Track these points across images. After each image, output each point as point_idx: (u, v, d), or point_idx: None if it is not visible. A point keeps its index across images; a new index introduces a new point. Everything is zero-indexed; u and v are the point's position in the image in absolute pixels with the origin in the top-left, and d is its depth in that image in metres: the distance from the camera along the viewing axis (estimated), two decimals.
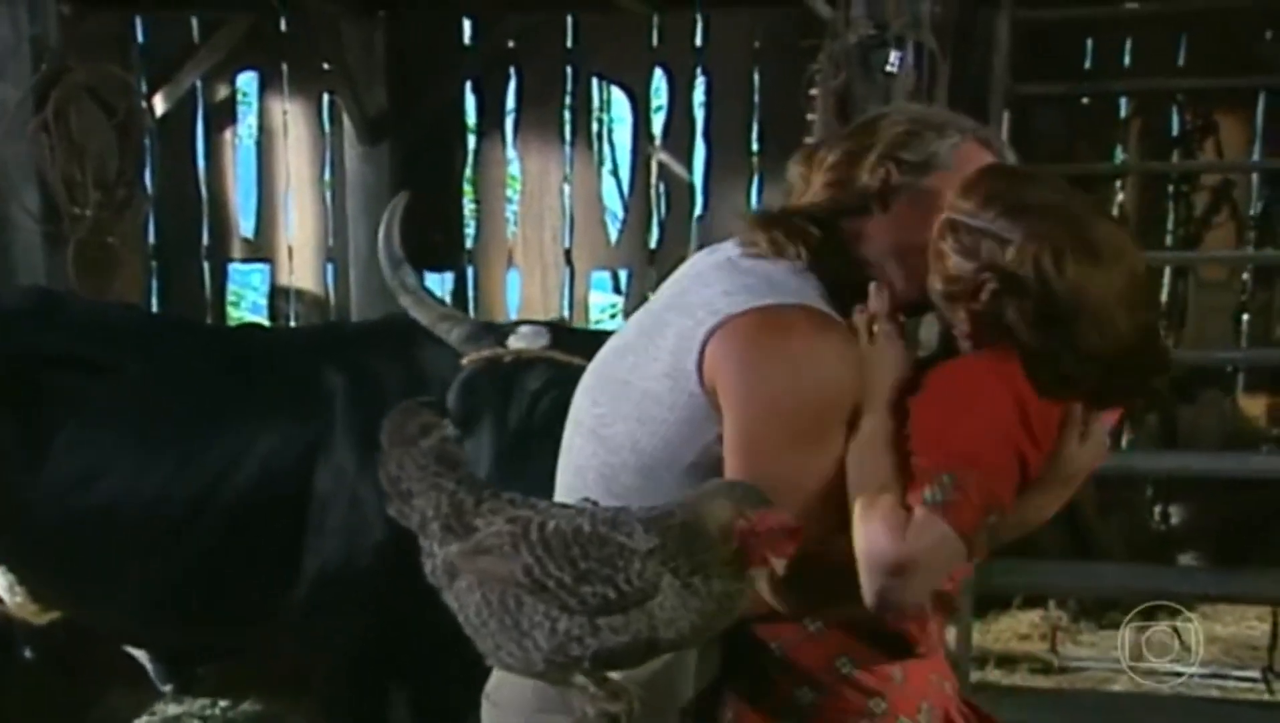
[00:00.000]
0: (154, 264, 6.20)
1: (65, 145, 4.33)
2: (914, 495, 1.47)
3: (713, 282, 1.68)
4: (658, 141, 5.98)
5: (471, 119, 6.21)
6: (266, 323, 6.32)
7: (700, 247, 1.89)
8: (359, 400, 2.94)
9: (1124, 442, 5.47)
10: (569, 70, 5.99)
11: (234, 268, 6.40)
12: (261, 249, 6.25)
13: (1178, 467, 5.06)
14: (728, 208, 5.62)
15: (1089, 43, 5.65)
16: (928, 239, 1.62)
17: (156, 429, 3.03)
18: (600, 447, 1.70)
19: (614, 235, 6.14)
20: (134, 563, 3.00)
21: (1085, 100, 5.65)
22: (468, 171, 6.21)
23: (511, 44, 6.01)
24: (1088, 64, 5.68)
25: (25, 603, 3.09)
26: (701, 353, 1.60)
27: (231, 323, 6.53)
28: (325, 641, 3.00)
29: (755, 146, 5.89)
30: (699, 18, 5.83)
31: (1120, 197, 5.71)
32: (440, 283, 6.04)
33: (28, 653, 3.20)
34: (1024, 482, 1.54)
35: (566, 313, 5.99)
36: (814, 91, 4.15)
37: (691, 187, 5.96)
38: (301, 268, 6.23)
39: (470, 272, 6.16)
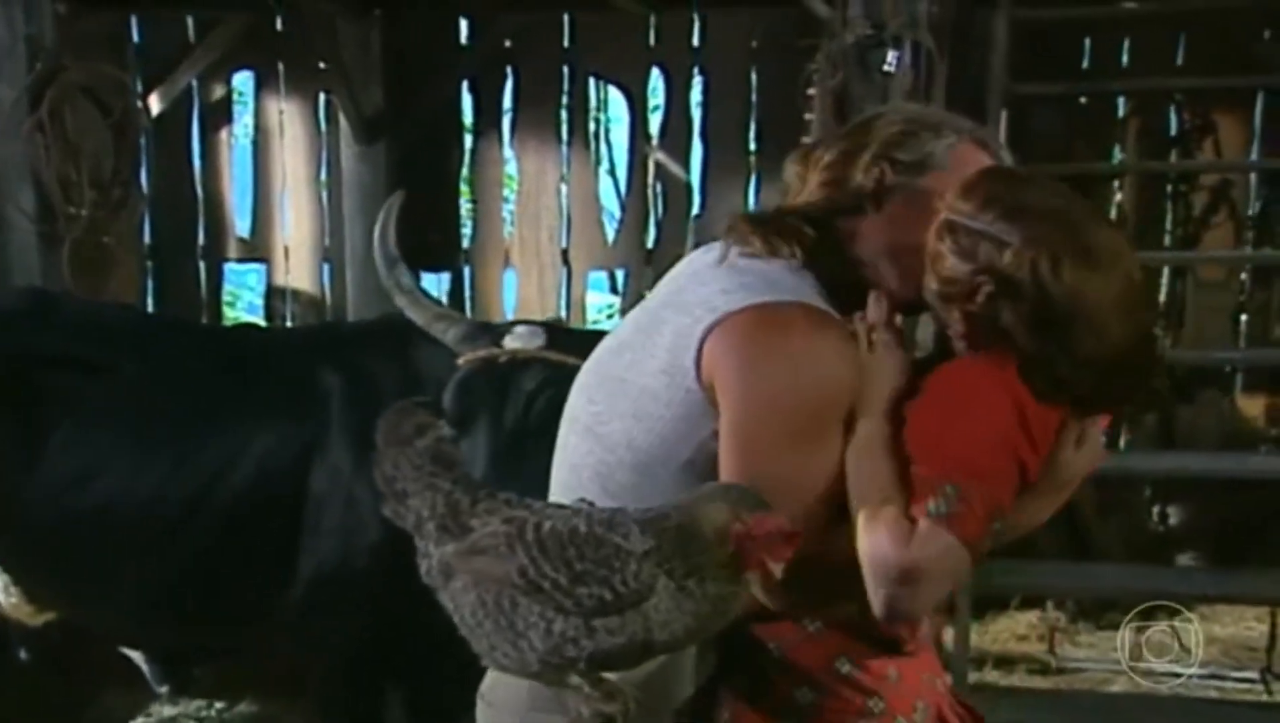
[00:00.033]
0: (149, 264, 6.19)
1: (60, 145, 4.33)
2: (918, 507, 1.48)
3: (710, 280, 1.67)
4: (655, 141, 5.97)
5: (468, 118, 6.20)
6: (262, 323, 6.32)
7: (697, 246, 1.88)
8: (355, 401, 2.94)
9: (1122, 442, 5.47)
10: (566, 70, 5.98)
11: (230, 268, 6.39)
12: (257, 249, 6.24)
13: (1176, 467, 5.05)
14: (725, 208, 5.60)
15: (1087, 42, 5.65)
16: (923, 239, 1.61)
17: (152, 429, 3.03)
18: (596, 444, 1.70)
19: (611, 235, 6.13)
20: (130, 563, 2.99)
21: (1083, 100, 5.65)
22: (464, 171, 6.20)
23: (508, 43, 6.00)
24: (1086, 64, 5.67)
25: (20, 604, 3.08)
26: (700, 349, 1.59)
27: (227, 323, 6.52)
28: (321, 641, 3.00)
29: (753, 146, 5.89)
30: (696, 17, 5.82)
31: (1118, 196, 5.71)
32: (437, 283, 6.03)
33: (23, 654, 3.19)
34: (1022, 485, 1.54)
35: (563, 313, 5.98)
36: (811, 91, 4.14)
37: (689, 186, 5.95)
38: (297, 268, 6.22)
39: (467, 271, 6.15)
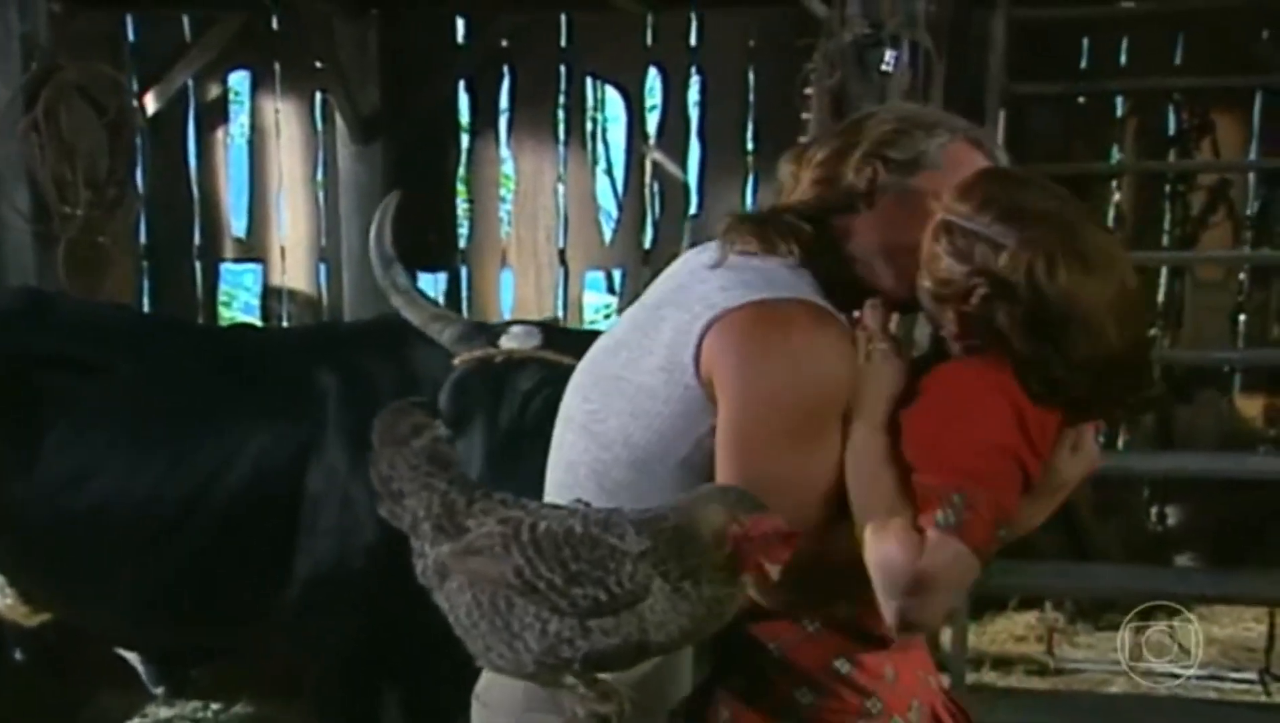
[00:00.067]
0: (145, 264, 6.17)
1: (56, 144, 4.33)
2: (925, 518, 1.48)
3: (708, 278, 1.67)
4: (652, 141, 5.96)
5: (465, 118, 6.19)
6: (258, 323, 6.31)
7: (693, 246, 1.88)
8: (351, 401, 2.94)
9: (1120, 442, 5.47)
10: (563, 69, 5.97)
11: (226, 268, 6.37)
12: (254, 249, 6.23)
13: (1174, 467, 5.05)
14: (723, 208, 5.57)
15: (1085, 42, 5.64)
16: (916, 238, 1.61)
17: (148, 429, 3.03)
18: (592, 442, 1.69)
19: (608, 235, 6.12)
20: (126, 563, 2.99)
21: (1081, 100, 5.64)
22: (461, 171, 6.19)
23: (505, 43, 5.98)
24: (1084, 63, 5.66)
25: (16, 604, 3.09)
26: (699, 346, 1.59)
27: (223, 323, 6.52)
28: (317, 641, 3.00)
29: (750, 146, 5.88)
30: (694, 17, 5.81)
31: (1116, 196, 5.70)
32: (434, 283, 6.02)
33: (18, 655, 3.20)
34: (1025, 488, 1.54)
35: (561, 313, 5.97)
36: (809, 91, 4.14)
37: (686, 186, 5.94)
38: (294, 268, 6.21)
39: (464, 271, 6.14)
